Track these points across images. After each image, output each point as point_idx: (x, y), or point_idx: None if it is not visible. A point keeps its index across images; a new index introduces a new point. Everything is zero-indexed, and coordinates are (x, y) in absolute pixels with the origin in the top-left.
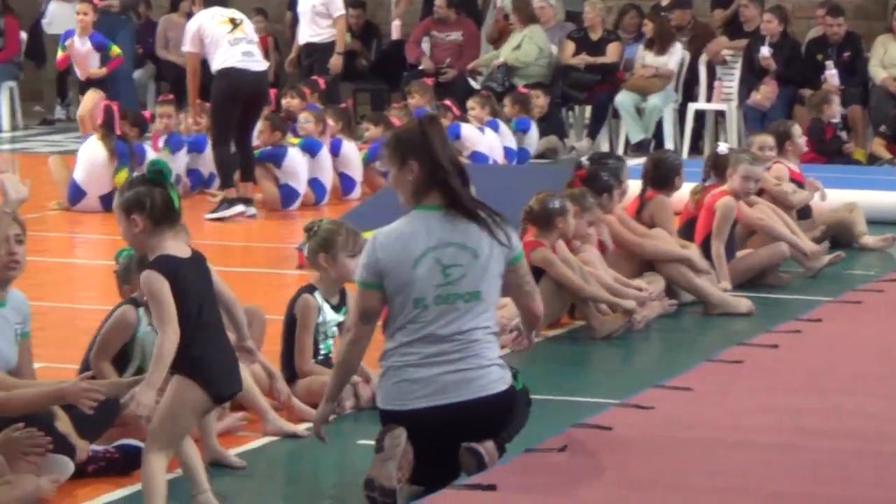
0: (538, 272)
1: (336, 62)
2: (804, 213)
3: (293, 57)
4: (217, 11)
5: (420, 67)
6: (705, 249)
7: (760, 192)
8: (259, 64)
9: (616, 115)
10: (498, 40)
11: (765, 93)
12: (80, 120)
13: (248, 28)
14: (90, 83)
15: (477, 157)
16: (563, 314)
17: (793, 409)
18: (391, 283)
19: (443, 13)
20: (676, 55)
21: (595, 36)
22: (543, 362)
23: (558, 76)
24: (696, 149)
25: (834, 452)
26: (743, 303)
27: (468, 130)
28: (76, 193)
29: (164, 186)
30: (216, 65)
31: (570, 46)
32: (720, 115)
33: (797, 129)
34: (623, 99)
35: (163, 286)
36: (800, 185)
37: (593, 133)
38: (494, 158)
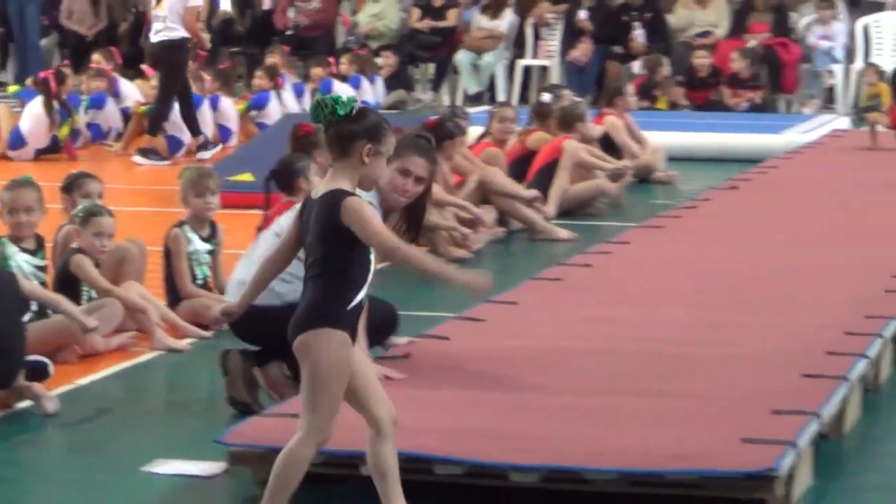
0: None
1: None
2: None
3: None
4: None
5: (287, 32)
6: (536, 183)
7: None
8: (154, 37)
9: (455, 71)
10: None
11: (582, 50)
12: None
13: (166, 3)
14: None
15: None
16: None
17: (605, 319)
18: None
19: None
20: (507, 18)
21: (437, 3)
22: (392, 285)
23: (406, 38)
24: (524, 99)
25: (640, 354)
26: (563, 230)
27: (339, 86)
28: (17, 141)
29: None
30: None
31: (416, 13)
32: (544, 69)
33: (629, 89)
34: (461, 57)
35: None
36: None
37: (436, 87)
38: None
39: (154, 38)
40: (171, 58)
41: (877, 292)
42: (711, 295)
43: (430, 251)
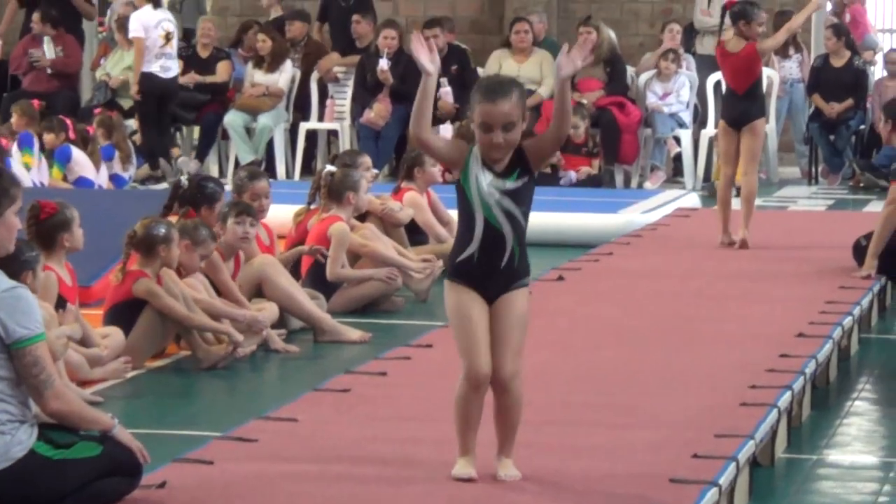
0: (142, 303)
1: None
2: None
3: None
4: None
5: (23, 87)
6: (313, 275)
7: (366, 216)
8: None
9: (225, 135)
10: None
11: (378, 111)
12: None
13: None
14: None
15: (83, 182)
16: (169, 344)
17: (399, 438)
18: None
19: (39, 29)
20: (287, 73)
21: (205, 53)
22: (146, 395)
23: None
24: (308, 170)
25: (445, 481)
26: (354, 331)
27: (78, 153)
28: None
29: None
30: None
31: (179, 64)
32: (333, 134)
33: (430, 158)
34: (232, 119)
35: None
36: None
37: (202, 154)
38: (100, 184)
39: None
40: None
41: (732, 405)
42: None
43: (189, 356)
